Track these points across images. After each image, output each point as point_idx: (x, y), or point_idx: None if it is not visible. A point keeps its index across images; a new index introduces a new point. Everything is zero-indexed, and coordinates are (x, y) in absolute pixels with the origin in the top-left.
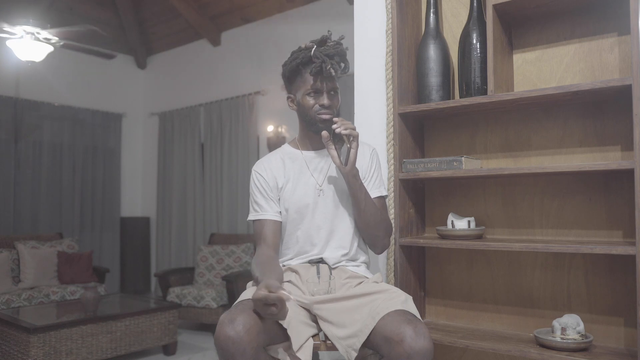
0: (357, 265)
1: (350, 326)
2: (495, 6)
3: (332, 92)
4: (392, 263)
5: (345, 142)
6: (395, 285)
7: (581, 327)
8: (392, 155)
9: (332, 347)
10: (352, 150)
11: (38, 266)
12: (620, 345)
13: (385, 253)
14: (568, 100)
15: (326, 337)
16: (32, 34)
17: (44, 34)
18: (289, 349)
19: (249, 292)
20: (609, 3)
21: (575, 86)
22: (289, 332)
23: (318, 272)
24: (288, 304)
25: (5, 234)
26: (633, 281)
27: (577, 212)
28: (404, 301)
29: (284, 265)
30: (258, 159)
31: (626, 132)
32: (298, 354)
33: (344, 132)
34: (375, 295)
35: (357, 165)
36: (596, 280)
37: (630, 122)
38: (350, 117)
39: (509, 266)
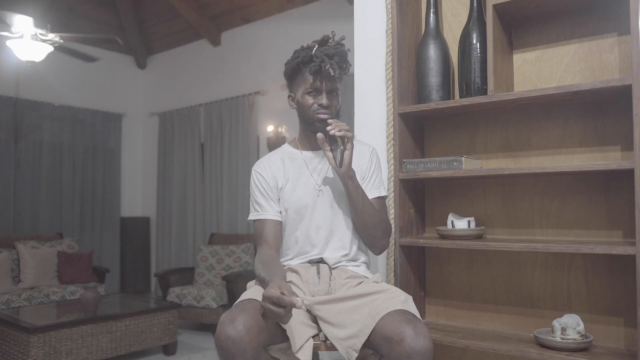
0: (357, 265)
1: (351, 327)
2: (495, 6)
3: (331, 93)
4: (392, 263)
5: (339, 144)
6: (395, 285)
7: (581, 327)
8: (392, 155)
9: (332, 347)
10: (347, 152)
11: (38, 266)
12: (620, 345)
13: (385, 253)
14: (568, 100)
15: (326, 338)
16: (34, 34)
17: (51, 36)
18: (289, 349)
19: (249, 292)
20: (609, 3)
21: (575, 86)
22: (288, 333)
23: (318, 272)
24: (293, 310)
25: (5, 234)
26: (633, 281)
27: (577, 212)
28: (404, 301)
29: (284, 266)
30: (258, 159)
31: (626, 132)
32: (298, 355)
33: (338, 134)
34: (375, 295)
35: (356, 165)
36: (596, 280)
37: (630, 122)
38: (350, 117)
39: (509, 266)
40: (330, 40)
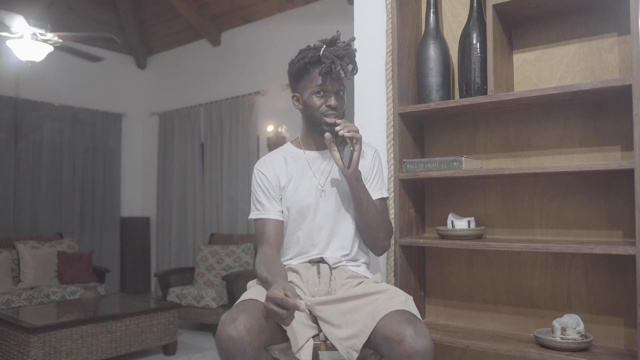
0: (358, 266)
1: (351, 327)
2: (495, 6)
3: (339, 93)
4: (392, 263)
5: (348, 145)
6: (395, 285)
7: (581, 327)
8: (392, 155)
9: (332, 348)
10: (355, 153)
11: (38, 266)
12: (620, 345)
13: (385, 253)
14: (568, 100)
15: (326, 338)
16: (34, 34)
17: (50, 35)
18: (289, 349)
19: (250, 292)
20: (609, 3)
21: (575, 86)
22: (288, 333)
23: (318, 272)
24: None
25: (5, 234)
26: (633, 281)
27: (577, 212)
28: (404, 301)
29: (285, 265)
30: (258, 159)
31: (626, 132)
32: (298, 355)
33: (347, 134)
34: (375, 296)
35: (360, 166)
36: (596, 280)
37: (630, 122)
38: (350, 117)
39: (509, 266)
40: (339, 41)
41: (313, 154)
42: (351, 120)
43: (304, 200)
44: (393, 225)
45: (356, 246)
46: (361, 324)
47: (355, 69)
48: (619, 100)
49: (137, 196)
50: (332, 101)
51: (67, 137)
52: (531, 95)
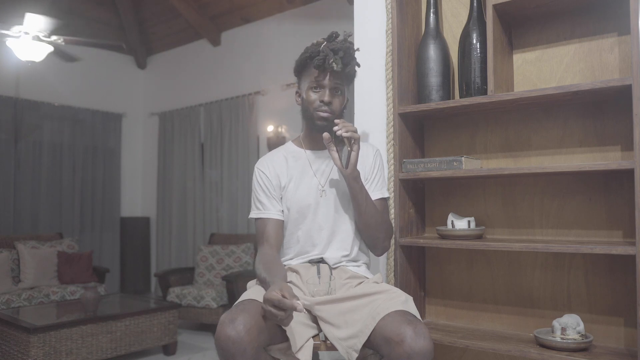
0: (358, 266)
1: (351, 327)
2: (495, 6)
3: (335, 90)
4: (392, 263)
5: (346, 145)
6: (395, 285)
7: (581, 327)
8: (392, 155)
9: (332, 348)
10: (353, 153)
11: (38, 266)
12: (620, 345)
13: (385, 253)
14: (568, 100)
15: (326, 338)
16: (32, 34)
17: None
18: (289, 349)
19: (250, 292)
20: (609, 3)
21: (575, 86)
22: (288, 333)
23: (318, 272)
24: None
25: (5, 234)
26: (633, 281)
27: (577, 212)
28: (404, 301)
29: (284, 265)
30: (258, 159)
31: (626, 132)
32: (298, 355)
33: (345, 134)
34: (375, 296)
35: (360, 166)
36: (596, 280)
37: (630, 122)
38: (350, 117)
39: (509, 266)
40: (339, 37)
41: (314, 154)
42: (351, 120)
43: (304, 200)
44: (393, 225)
45: (356, 246)
46: (361, 324)
47: (352, 66)
48: (619, 100)
49: (137, 196)
50: (326, 96)
51: (67, 137)
52: (531, 95)
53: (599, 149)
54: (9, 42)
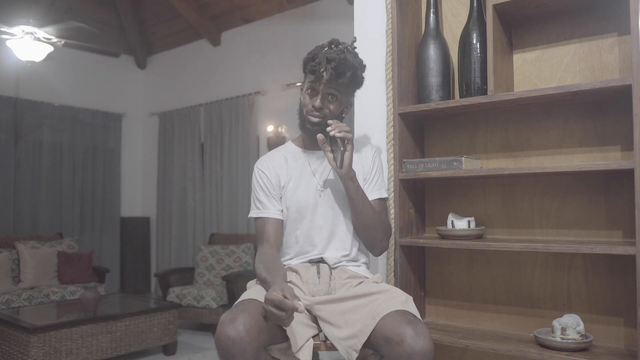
0: (358, 266)
1: (351, 327)
2: (495, 6)
3: (329, 97)
4: (392, 263)
5: (339, 145)
6: (395, 285)
7: (581, 327)
8: (392, 155)
9: (332, 347)
10: (347, 153)
11: (38, 266)
12: (620, 345)
13: (385, 253)
14: (568, 100)
15: (326, 338)
16: (32, 33)
17: (41, 33)
18: (289, 349)
19: (250, 292)
20: (609, 3)
21: (575, 86)
22: (288, 333)
23: (318, 272)
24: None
25: (5, 234)
26: (633, 281)
27: (577, 212)
28: (404, 301)
29: (284, 265)
30: (258, 159)
31: (626, 132)
32: (298, 355)
33: (337, 135)
34: (375, 296)
35: (359, 166)
36: (596, 280)
37: (630, 122)
38: (350, 117)
39: (509, 266)
40: (339, 45)
41: (313, 154)
42: (351, 120)
43: (303, 200)
44: (393, 225)
45: (356, 246)
46: (361, 324)
47: (347, 77)
48: (619, 100)
49: (137, 196)
50: (316, 102)
51: (67, 137)
52: (531, 95)
53: (599, 149)
54: (9, 42)
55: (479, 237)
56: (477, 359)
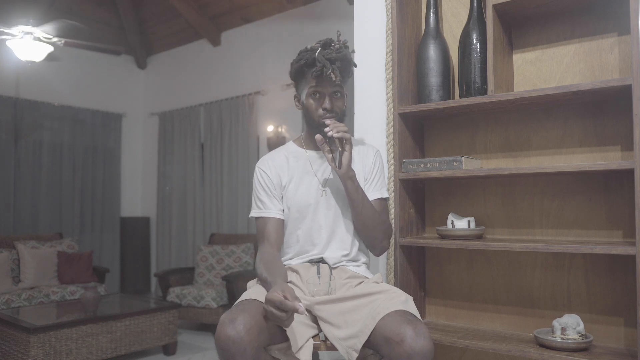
0: (358, 266)
1: (351, 327)
2: (495, 6)
3: (335, 95)
4: (392, 263)
5: (337, 146)
6: (395, 285)
7: (581, 327)
8: (392, 155)
9: (332, 348)
10: (346, 153)
11: (38, 266)
12: (620, 345)
13: (385, 253)
14: (568, 100)
15: (326, 338)
16: (32, 33)
17: (37, 32)
18: (289, 349)
19: (250, 292)
20: (609, 3)
21: (575, 86)
22: (288, 333)
23: (318, 272)
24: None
25: (5, 234)
26: (633, 281)
27: (577, 212)
28: (404, 301)
29: (285, 265)
30: (258, 159)
31: (626, 132)
32: (298, 355)
33: (336, 135)
34: (375, 296)
35: (360, 166)
36: (596, 280)
37: (630, 122)
38: (350, 117)
39: (509, 266)
40: (334, 44)
41: (314, 154)
42: (351, 120)
43: (304, 200)
44: (393, 225)
45: (356, 246)
46: (361, 324)
47: (348, 73)
48: (619, 100)
49: (137, 196)
50: (327, 103)
51: (67, 137)
52: (531, 95)
53: (599, 149)
54: (9, 42)
55: (479, 237)
56: (477, 359)
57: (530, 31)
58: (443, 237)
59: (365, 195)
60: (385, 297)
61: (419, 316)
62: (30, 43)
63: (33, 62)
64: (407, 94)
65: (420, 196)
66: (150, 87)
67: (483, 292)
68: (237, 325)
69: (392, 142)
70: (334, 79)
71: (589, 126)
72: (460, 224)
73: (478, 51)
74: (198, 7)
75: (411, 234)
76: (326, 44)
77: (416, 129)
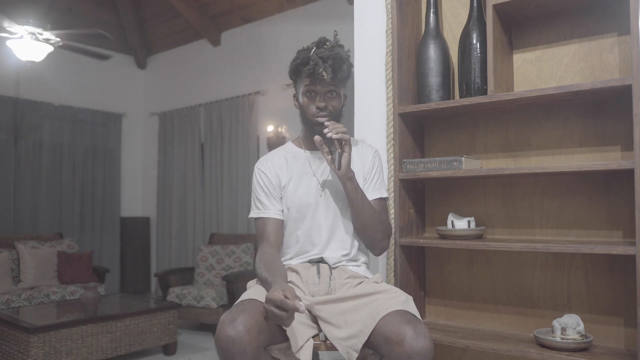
0: (358, 266)
1: (351, 327)
2: (495, 6)
3: (329, 94)
4: (392, 263)
5: (336, 147)
6: (395, 285)
7: (581, 327)
8: (392, 155)
9: (332, 347)
10: (345, 154)
11: (38, 266)
12: (620, 345)
13: (385, 253)
14: (568, 100)
15: (326, 338)
16: (33, 34)
17: (47, 35)
18: (289, 349)
19: (250, 292)
20: (609, 3)
21: (575, 86)
22: (288, 333)
23: (318, 272)
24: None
25: (5, 234)
26: (633, 281)
27: (577, 212)
28: (404, 301)
29: (285, 265)
30: (258, 159)
31: (626, 132)
32: (298, 355)
33: (335, 136)
34: (375, 296)
35: (359, 166)
36: (596, 280)
37: (630, 122)
38: (350, 117)
39: (509, 266)
40: (328, 42)
41: (313, 154)
42: (351, 120)
43: (303, 200)
44: (393, 225)
45: (356, 246)
46: (361, 324)
47: (343, 72)
48: (619, 100)
49: (137, 196)
50: (320, 102)
51: (67, 137)
52: (531, 95)
53: (599, 149)
54: (9, 42)
55: (479, 237)
56: (477, 359)
57: (530, 31)
58: (443, 237)
59: (365, 196)
60: (385, 297)
61: (419, 316)
62: (30, 43)
63: (33, 62)
64: (407, 94)
65: (420, 196)
66: (150, 87)
67: (483, 292)
68: (237, 325)
69: (392, 142)
70: (325, 77)
71: (589, 126)
72: (460, 224)
73: (478, 51)
74: (198, 7)
75: (411, 234)
76: (320, 43)
77: (416, 129)
